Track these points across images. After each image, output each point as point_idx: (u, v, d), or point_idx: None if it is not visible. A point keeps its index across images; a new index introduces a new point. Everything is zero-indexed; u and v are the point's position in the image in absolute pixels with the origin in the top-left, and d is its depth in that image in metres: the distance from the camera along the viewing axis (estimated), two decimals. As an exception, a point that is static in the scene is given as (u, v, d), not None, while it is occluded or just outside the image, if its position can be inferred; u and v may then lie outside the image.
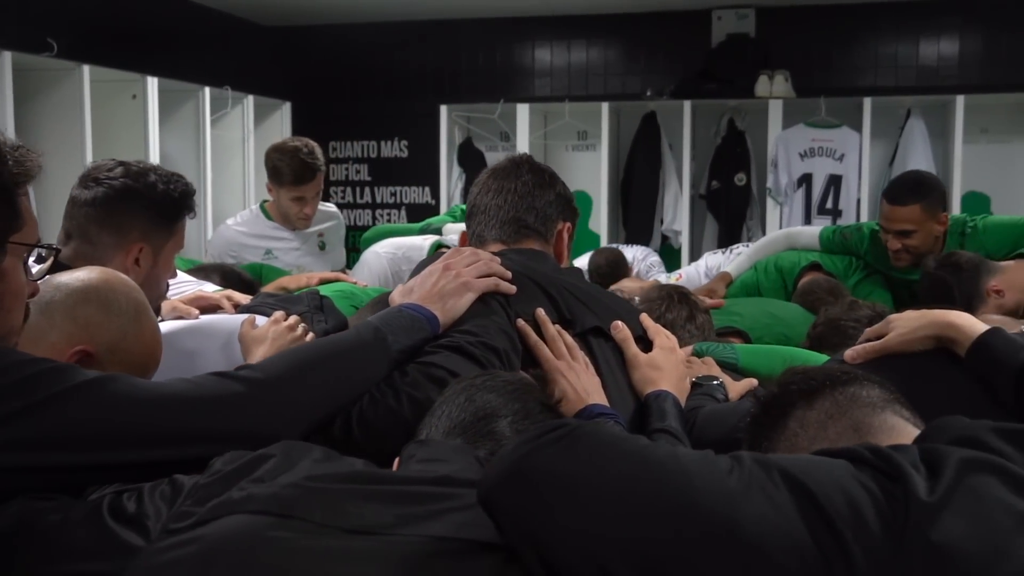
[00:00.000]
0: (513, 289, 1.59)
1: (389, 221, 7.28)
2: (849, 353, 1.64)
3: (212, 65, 5.89)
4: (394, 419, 1.35)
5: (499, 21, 6.88)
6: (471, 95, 6.73)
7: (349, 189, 7.37)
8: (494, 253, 1.77)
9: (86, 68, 4.52)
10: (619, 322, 1.68)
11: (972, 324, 1.55)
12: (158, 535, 1.08)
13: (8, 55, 4.13)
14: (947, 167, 5.98)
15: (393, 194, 7.31)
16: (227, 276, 2.75)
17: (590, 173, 6.49)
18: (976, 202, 6.04)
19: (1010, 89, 6.01)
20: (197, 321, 2.04)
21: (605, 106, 6.25)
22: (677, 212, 6.31)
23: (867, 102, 5.88)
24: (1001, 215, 3.54)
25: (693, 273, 4.10)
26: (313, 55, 7.06)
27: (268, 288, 3.00)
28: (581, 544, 0.93)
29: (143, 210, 1.94)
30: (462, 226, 3.86)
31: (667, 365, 1.65)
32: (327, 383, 1.37)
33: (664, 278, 4.14)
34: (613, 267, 4.52)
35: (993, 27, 6.27)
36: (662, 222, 6.40)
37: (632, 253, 5.08)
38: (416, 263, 3.95)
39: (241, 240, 3.80)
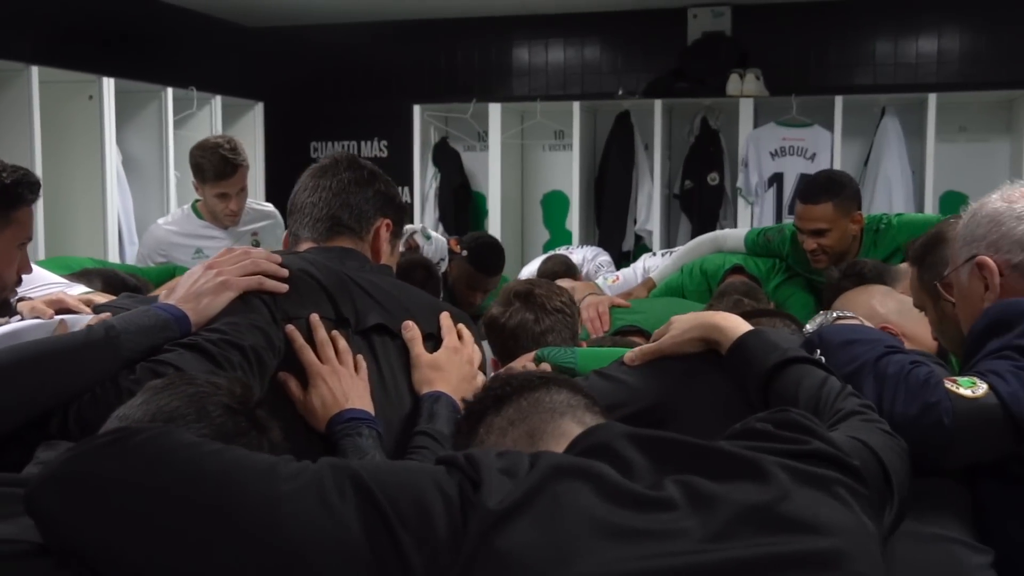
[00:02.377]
0: (282, 288, 1.57)
1: (369, 221, 7.28)
2: (628, 355, 1.63)
3: (176, 66, 5.90)
4: None
5: (475, 21, 6.86)
6: (446, 95, 6.71)
7: (330, 189, 7.37)
8: (303, 252, 1.76)
9: (35, 69, 4.55)
10: (409, 322, 1.66)
11: (735, 326, 1.52)
12: None
13: (-52, 57, 4.18)
14: (923, 166, 5.88)
15: (373, 194, 7.30)
16: (109, 281, 2.73)
17: (567, 173, 6.45)
18: (955, 202, 5.91)
19: (990, 87, 5.90)
20: (38, 322, 2.05)
21: (576, 105, 6.21)
22: (650, 212, 6.26)
23: (838, 100, 5.80)
24: (915, 213, 3.49)
25: (631, 275, 4.05)
26: (286, 56, 7.06)
27: (162, 288, 3.00)
28: (115, 552, 0.93)
29: None
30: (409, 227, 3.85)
31: (449, 366, 1.63)
32: (36, 382, 1.36)
33: (601, 280, 4.09)
34: (566, 274, 4.49)
35: (973, 24, 6.16)
36: (635, 222, 6.35)
37: (582, 254, 5.05)
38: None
39: (171, 239, 3.81)
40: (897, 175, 5.78)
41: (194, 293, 1.52)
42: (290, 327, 1.54)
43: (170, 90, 5.42)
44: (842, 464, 1.13)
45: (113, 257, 4.94)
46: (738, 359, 1.48)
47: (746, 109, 5.93)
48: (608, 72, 6.78)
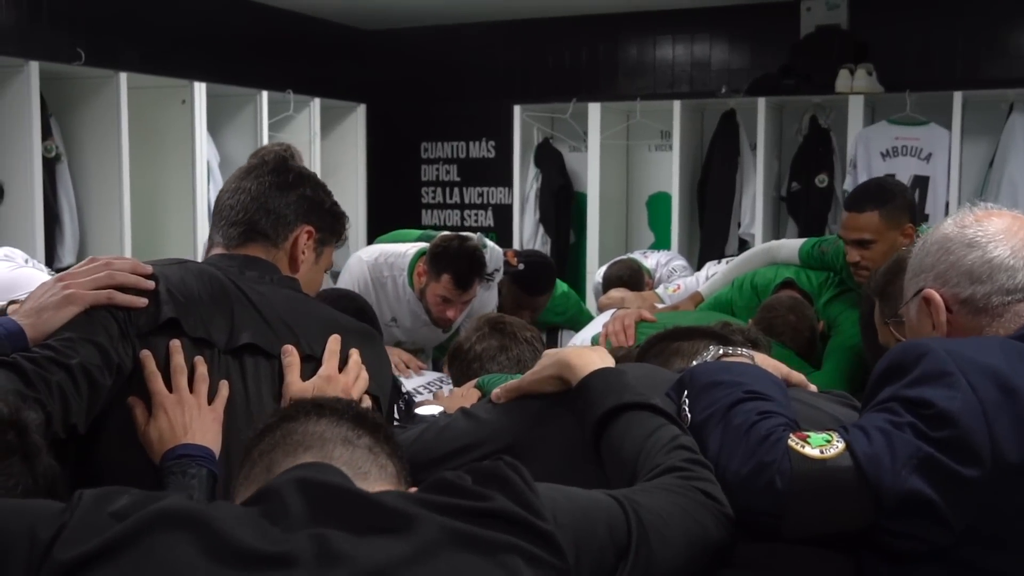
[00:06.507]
0: (137, 302, 1.50)
1: (476, 222, 7.27)
2: (495, 392, 1.50)
3: (273, 69, 6.00)
4: None
5: (583, 19, 6.72)
6: (549, 95, 6.60)
7: (439, 190, 7.39)
8: (206, 259, 1.71)
9: (123, 75, 4.70)
10: (288, 346, 1.57)
11: (586, 364, 1.38)
12: None
13: (35, 65, 4.35)
14: (1057, 168, 5.38)
15: (480, 195, 7.28)
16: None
17: (672, 173, 6.24)
18: (1095, 207, 5.41)
19: None
20: None
21: (677, 104, 5.98)
22: (755, 215, 5.97)
23: (957, 97, 5.36)
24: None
25: (693, 284, 3.86)
26: (386, 58, 7.10)
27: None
28: None
29: None
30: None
31: (318, 395, 1.53)
32: None
33: (662, 289, 3.91)
34: (630, 279, 4.33)
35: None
36: (739, 225, 6.08)
37: (655, 259, 4.85)
38: (397, 270, 3.90)
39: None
40: (1024, 178, 5.32)
41: (37, 307, 1.46)
42: (145, 352, 1.47)
43: (265, 93, 5.52)
44: (529, 528, 1.01)
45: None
46: (581, 400, 1.36)
47: (856, 106, 5.58)
48: (718, 69, 6.52)
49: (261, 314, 1.58)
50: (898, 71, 5.75)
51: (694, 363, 1.42)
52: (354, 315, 2.62)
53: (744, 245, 6.10)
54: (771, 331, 2.98)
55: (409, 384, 3.22)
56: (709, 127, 6.32)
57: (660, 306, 3.48)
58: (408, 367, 3.39)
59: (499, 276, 3.88)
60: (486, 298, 3.75)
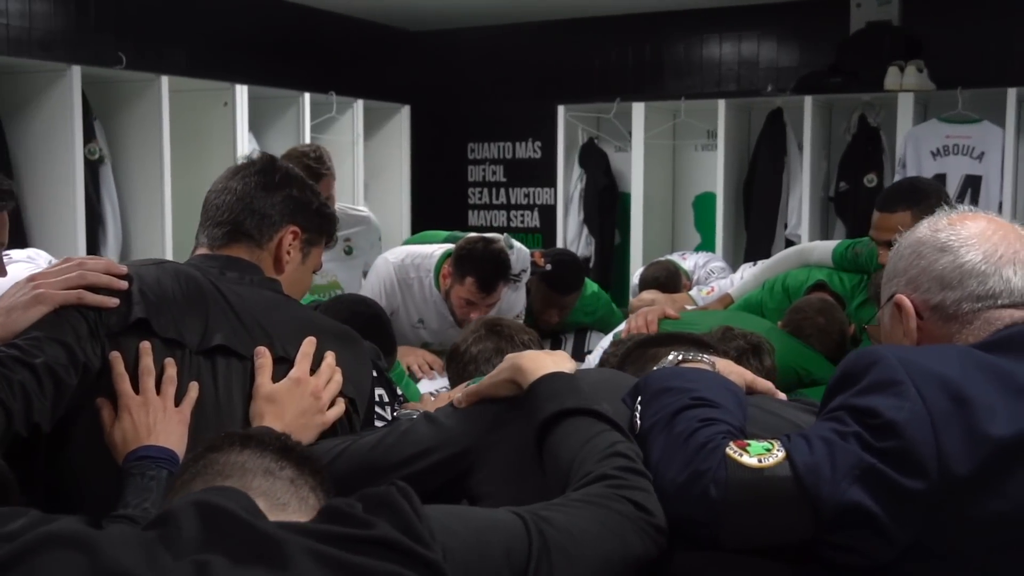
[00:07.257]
0: (108, 302, 1.50)
1: (522, 222, 7.25)
2: (456, 396, 1.48)
3: (316, 71, 6.04)
4: None
5: (630, 18, 6.66)
6: (593, 95, 6.54)
7: (485, 190, 7.38)
8: (189, 259, 1.71)
9: (165, 79, 4.77)
10: (261, 347, 1.57)
11: (537, 368, 1.36)
12: None
13: (77, 69, 4.43)
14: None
15: (527, 195, 7.25)
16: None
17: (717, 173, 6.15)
18: None
19: None
20: None
21: (722, 103, 5.89)
22: (801, 215, 5.85)
23: (1011, 93, 5.19)
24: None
25: (727, 286, 3.78)
26: (430, 59, 7.11)
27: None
28: None
29: None
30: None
31: (286, 399, 1.53)
32: None
33: (695, 291, 3.84)
34: (667, 281, 4.28)
35: None
36: (786, 226, 5.96)
37: (693, 260, 4.78)
38: (423, 271, 3.89)
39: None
40: (1081, 177, 5.14)
41: (7, 307, 1.48)
42: (114, 354, 1.48)
43: (307, 95, 5.56)
44: (411, 555, 0.99)
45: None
46: (528, 406, 1.34)
47: (905, 104, 5.43)
48: (766, 68, 6.41)
49: (237, 315, 1.58)
50: (951, 67, 5.59)
51: (654, 369, 1.39)
52: (368, 322, 2.62)
53: (790, 246, 5.99)
54: (799, 332, 2.93)
55: (432, 385, 3.22)
56: (756, 126, 6.22)
57: (690, 307, 3.42)
58: (432, 368, 3.38)
59: (526, 277, 3.85)
60: (513, 299, 3.72)
